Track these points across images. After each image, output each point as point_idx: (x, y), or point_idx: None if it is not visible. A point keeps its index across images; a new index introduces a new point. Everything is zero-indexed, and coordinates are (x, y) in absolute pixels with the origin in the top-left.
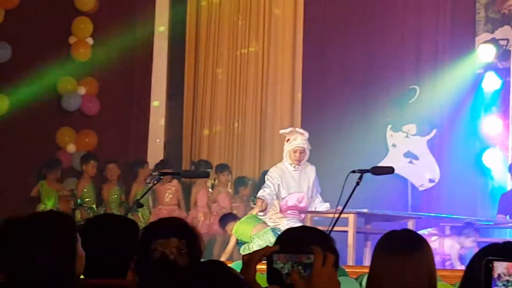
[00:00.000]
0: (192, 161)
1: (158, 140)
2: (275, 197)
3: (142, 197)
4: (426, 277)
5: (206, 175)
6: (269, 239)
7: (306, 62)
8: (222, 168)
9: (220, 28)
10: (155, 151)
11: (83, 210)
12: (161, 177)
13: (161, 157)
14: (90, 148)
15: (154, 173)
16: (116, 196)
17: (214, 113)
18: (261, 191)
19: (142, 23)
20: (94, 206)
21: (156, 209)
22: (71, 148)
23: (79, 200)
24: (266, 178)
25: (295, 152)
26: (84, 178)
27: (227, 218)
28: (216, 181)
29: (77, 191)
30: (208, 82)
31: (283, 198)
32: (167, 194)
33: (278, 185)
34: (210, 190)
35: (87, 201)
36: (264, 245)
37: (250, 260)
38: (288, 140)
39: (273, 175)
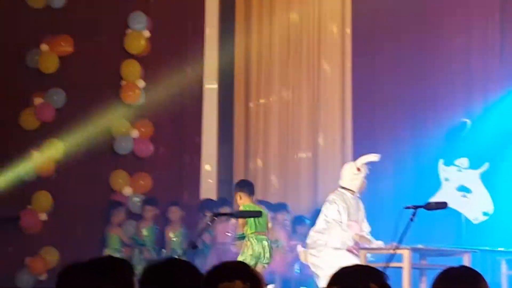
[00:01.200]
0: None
1: (210, 181)
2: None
3: (197, 237)
4: None
5: (259, 215)
6: None
7: (356, 93)
8: (280, 207)
9: (270, 66)
10: (208, 192)
11: (145, 251)
12: (215, 218)
13: (214, 197)
14: (145, 190)
15: (208, 214)
16: (178, 238)
17: (267, 152)
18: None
19: (192, 64)
20: (153, 248)
21: (215, 249)
22: (127, 191)
23: (140, 242)
24: (331, 201)
25: (365, 179)
26: (143, 221)
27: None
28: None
29: (137, 234)
30: (260, 122)
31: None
32: (227, 233)
33: (339, 210)
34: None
35: (147, 244)
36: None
37: None
38: (358, 169)
39: (338, 202)
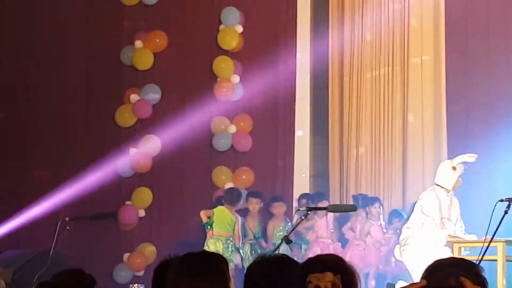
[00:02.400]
0: (353, 195)
1: (304, 175)
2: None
3: (290, 232)
4: None
5: (353, 209)
6: None
7: (450, 91)
8: (373, 200)
9: (363, 57)
10: (302, 186)
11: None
12: (308, 212)
13: (307, 191)
14: (248, 185)
15: (301, 209)
16: (282, 232)
17: (360, 145)
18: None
19: (284, 58)
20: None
21: (317, 242)
22: (229, 186)
23: (257, 235)
24: (425, 198)
25: (459, 179)
26: (253, 215)
27: None
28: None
29: (248, 228)
30: (353, 117)
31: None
32: (329, 227)
33: (433, 207)
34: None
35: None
36: None
37: None
38: (454, 168)
39: (432, 198)
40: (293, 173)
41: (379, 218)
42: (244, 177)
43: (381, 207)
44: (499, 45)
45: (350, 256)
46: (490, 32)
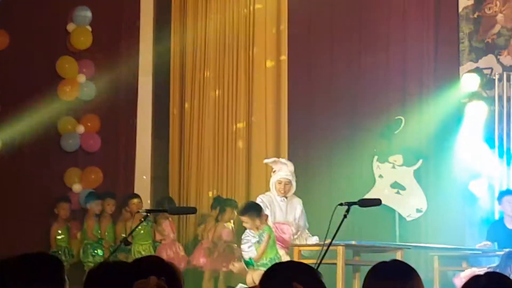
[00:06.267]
0: (215, 197)
1: (144, 177)
2: None
3: (129, 235)
4: None
5: (193, 211)
6: None
7: (292, 93)
8: (230, 203)
9: (206, 59)
10: (142, 188)
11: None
12: (148, 214)
13: (148, 193)
14: (96, 185)
15: (140, 211)
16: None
17: (201, 148)
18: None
19: (127, 59)
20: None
21: (166, 244)
22: (77, 187)
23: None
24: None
25: (280, 183)
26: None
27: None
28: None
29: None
30: (195, 116)
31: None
32: (173, 230)
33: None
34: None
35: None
36: None
37: None
38: (274, 171)
39: (263, 200)
40: (134, 174)
41: (231, 221)
42: (93, 177)
43: (235, 210)
44: (342, 39)
45: (197, 258)
46: (333, 29)
